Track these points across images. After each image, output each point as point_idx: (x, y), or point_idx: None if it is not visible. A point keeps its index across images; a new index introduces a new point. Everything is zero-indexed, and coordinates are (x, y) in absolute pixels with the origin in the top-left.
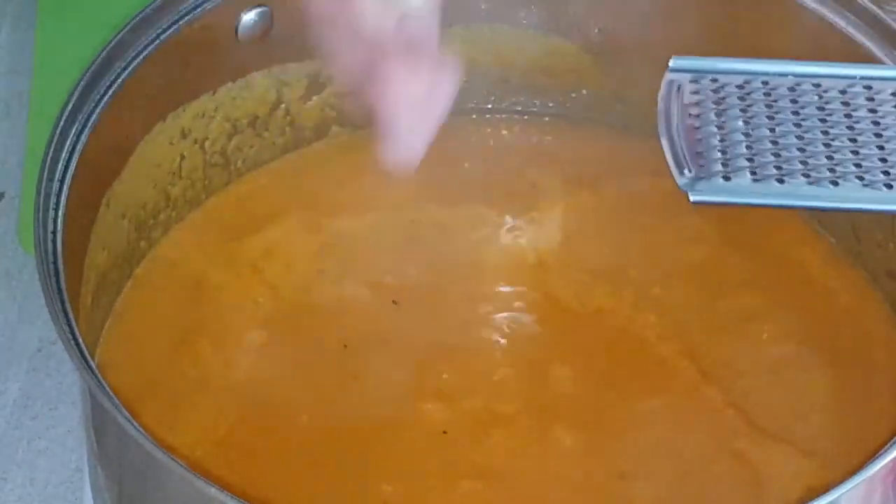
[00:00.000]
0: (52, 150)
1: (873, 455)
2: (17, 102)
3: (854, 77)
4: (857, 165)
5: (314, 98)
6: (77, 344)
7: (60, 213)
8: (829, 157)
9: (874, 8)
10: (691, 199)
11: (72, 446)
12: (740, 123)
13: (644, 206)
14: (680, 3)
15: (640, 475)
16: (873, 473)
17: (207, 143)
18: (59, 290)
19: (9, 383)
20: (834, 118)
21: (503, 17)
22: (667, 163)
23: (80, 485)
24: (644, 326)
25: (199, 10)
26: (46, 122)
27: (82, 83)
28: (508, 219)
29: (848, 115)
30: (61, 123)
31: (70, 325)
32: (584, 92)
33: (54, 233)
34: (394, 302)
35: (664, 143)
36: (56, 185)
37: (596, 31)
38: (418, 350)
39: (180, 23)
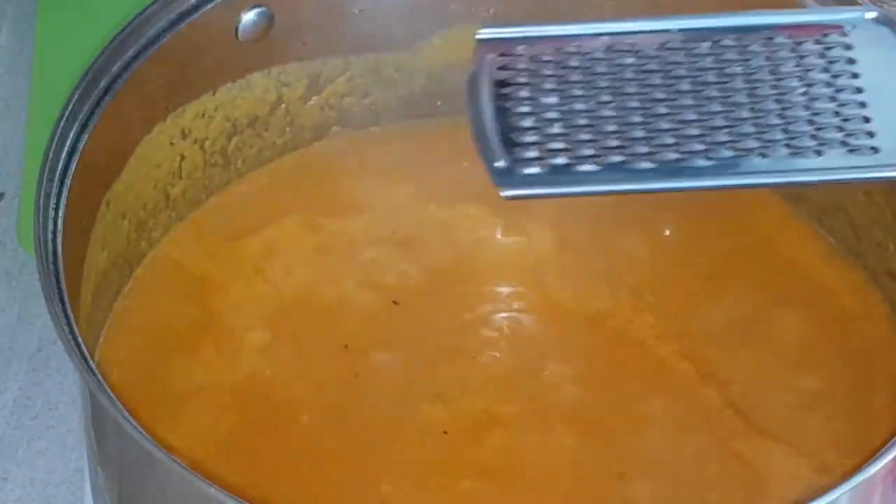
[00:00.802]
0: (52, 150)
1: (873, 455)
2: (17, 102)
3: (669, 30)
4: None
5: (314, 98)
6: (77, 344)
7: (60, 213)
8: (671, 130)
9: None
10: (502, 194)
11: (72, 446)
12: (554, 99)
13: (643, 207)
14: (681, 3)
15: (640, 475)
16: (873, 473)
17: (207, 143)
18: (59, 290)
19: (9, 383)
20: (649, 82)
21: (503, 17)
22: (477, 153)
23: (80, 485)
24: (642, 327)
25: (199, 10)
26: (46, 122)
27: (82, 83)
28: (508, 219)
29: (682, 77)
30: (61, 123)
31: (70, 325)
32: None
33: (54, 233)
34: (394, 302)
35: (473, 133)
36: (56, 185)
37: None
38: (419, 350)
39: (180, 23)
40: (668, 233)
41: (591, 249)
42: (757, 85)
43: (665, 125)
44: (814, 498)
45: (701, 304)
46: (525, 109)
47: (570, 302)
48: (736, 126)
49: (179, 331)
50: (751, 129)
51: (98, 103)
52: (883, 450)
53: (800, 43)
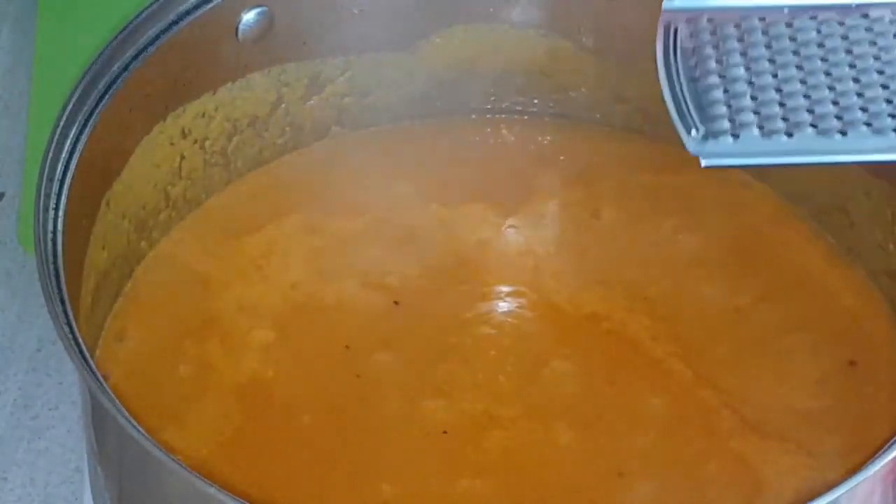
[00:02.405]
0: (52, 150)
1: (873, 455)
2: (17, 102)
3: (850, 5)
4: (864, 110)
5: (314, 98)
6: (77, 344)
7: (60, 213)
8: (835, 103)
9: None
10: (702, 163)
11: (72, 446)
12: (742, 71)
13: (643, 206)
14: None
15: (639, 474)
16: (873, 473)
17: (207, 143)
18: (59, 290)
19: (9, 383)
20: (835, 56)
21: (503, 17)
22: (672, 122)
23: (80, 485)
24: (637, 328)
25: (199, 10)
26: (46, 122)
27: (82, 83)
28: (508, 219)
29: (849, 51)
30: (61, 123)
31: (70, 325)
32: (584, 92)
33: (54, 233)
34: (395, 302)
35: (668, 100)
36: (56, 185)
37: (595, 30)
38: (419, 350)
39: (180, 23)
40: (665, 232)
41: (590, 249)
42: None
43: (854, 98)
44: (814, 498)
45: (697, 305)
46: (714, 80)
47: (567, 303)
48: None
49: (180, 331)
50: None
51: (98, 103)
52: (883, 450)
53: None
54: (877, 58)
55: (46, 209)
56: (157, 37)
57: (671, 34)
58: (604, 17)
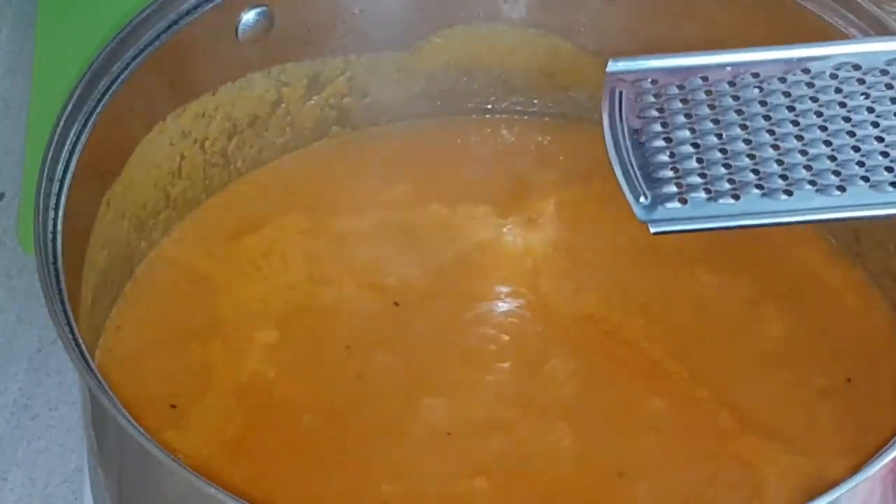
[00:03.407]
0: (52, 150)
1: (873, 455)
2: (17, 102)
3: (792, 59)
4: (808, 168)
5: (314, 98)
6: (77, 344)
7: (60, 213)
8: (779, 162)
9: (875, 9)
10: (651, 230)
11: (72, 446)
12: (687, 133)
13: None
14: (678, 3)
15: (639, 474)
16: (873, 473)
17: (207, 143)
18: (59, 290)
19: (9, 383)
20: (777, 114)
21: (503, 17)
22: (621, 189)
23: (80, 485)
24: (633, 329)
25: (199, 10)
26: (46, 122)
27: (82, 83)
28: (508, 219)
29: (791, 108)
30: (61, 123)
31: (70, 325)
32: (584, 92)
33: (54, 233)
34: (395, 303)
35: (615, 166)
36: (56, 185)
37: (595, 30)
38: (419, 350)
39: (180, 23)
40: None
41: (589, 250)
42: (853, 118)
43: (798, 158)
44: (813, 498)
45: (696, 305)
46: (660, 143)
47: (565, 303)
48: (867, 158)
49: (180, 331)
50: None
51: (98, 103)
52: (883, 450)
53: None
54: (819, 114)
55: (46, 209)
56: (157, 37)
57: (616, 98)
58: (604, 17)
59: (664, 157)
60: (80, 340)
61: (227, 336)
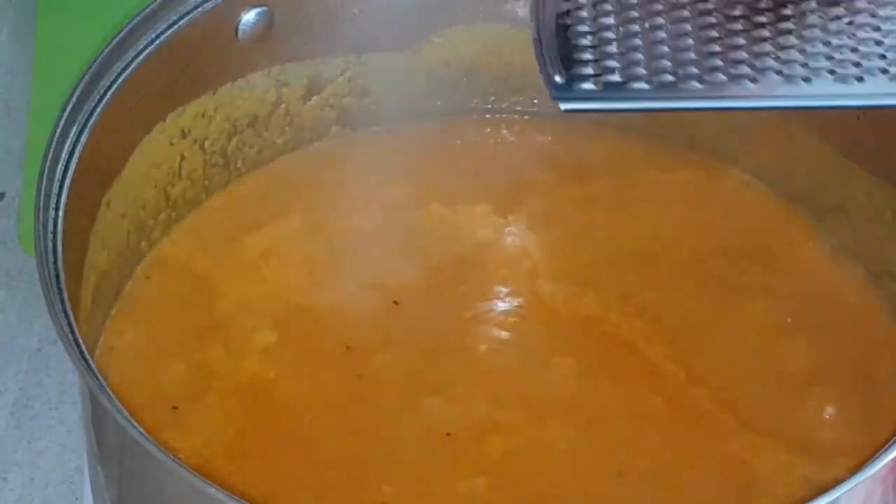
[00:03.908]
0: (52, 150)
1: (873, 455)
2: (17, 102)
3: None
4: (720, 55)
5: (314, 98)
6: (77, 344)
7: (60, 213)
8: (697, 51)
9: None
10: (562, 107)
11: (72, 446)
12: (611, 19)
13: (642, 207)
14: None
15: (639, 474)
16: (873, 473)
17: (207, 143)
18: (59, 290)
19: (9, 383)
20: (703, 5)
21: (503, 17)
22: (538, 68)
23: (80, 485)
24: (634, 330)
25: (199, 10)
26: (46, 122)
27: (82, 83)
28: (508, 219)
29: None
30: (61, 123)
31: (70, 325)
32: None
33: (54, 233)
34: (395, 302)
35: (535, 46)
36: (56, 185)
37: None
38: (419, 350)
39: (180, 23)
40: (665, 232)
41: (589, 250)
42: (804, 11)
43: (716, 48)
44: (813, 498)
45: (696, 305)
46: (584, 29)
47: (565, 303)
48: (783, 51)
49: (180, 331)
50: (798, 56)
51: (98, 103)
52: (883, 450)
53: None
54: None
55: (46, 209)
56: (157, 37)
57: None
58: None
59: (585, 42)
60: (80, 340)
61: (228, 336)
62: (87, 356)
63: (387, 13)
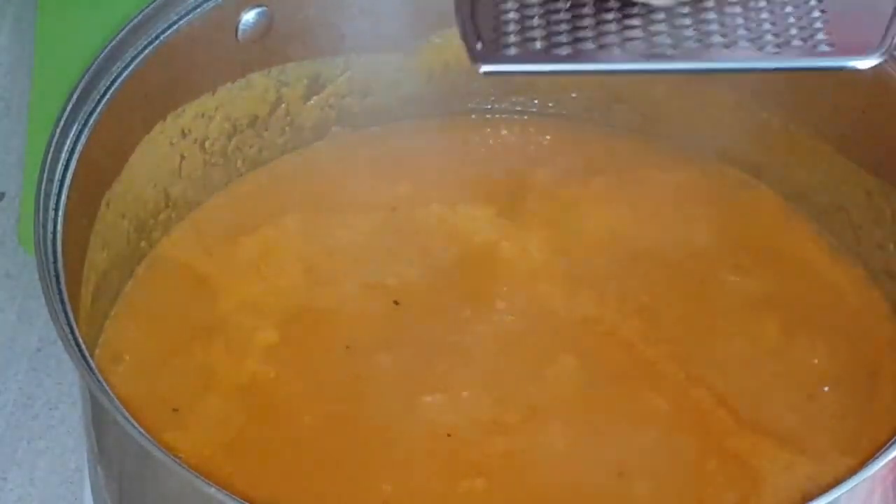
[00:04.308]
0: (52, 150)
1: (873, 455)
2: (17, 102)
3: None
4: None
5: (314, 98)
6: (77, 344)
7: (60, 213)
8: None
9: None
10: (481, 69)
11: (72, 446)
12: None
13: (642, 207)
14: None
15: (639, 474)
16: (873, 473)
17: (207, 143)
18: (59, 290)
19: (9, 383)
20: None
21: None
22: (461, 37)
23: (80, 485)
24: (634, 330)
25: (199, 10)
26: (46, 122)
27: (82, 83)
28: (508, 218)
29: None
30: (61, 123)
31: (70, 325)
32: (584, 92)
33: (54, 233)
34: (395, 302)
35: (457, 16)
36: (56, 185)
37: None
38: (419, 350)
39: (180, 23)
40: (665, 232)
41: (589, 250)
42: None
43: (637, 22)
44: (813, 498)
45: (696, 305)
46: (509, 6)
47: (564, 304)
48: (702, 25)
49: (180, 331)
50: (716, 28)
51: (98, 103)
52: (883, 450)
53: None
54: None
55: (46, 209)
56: (157, 37)
57: None
58: None
59: (509, 16)
60: (80, 340)
61: (228, 336)
62: (87, 356)
63: (387, 13)
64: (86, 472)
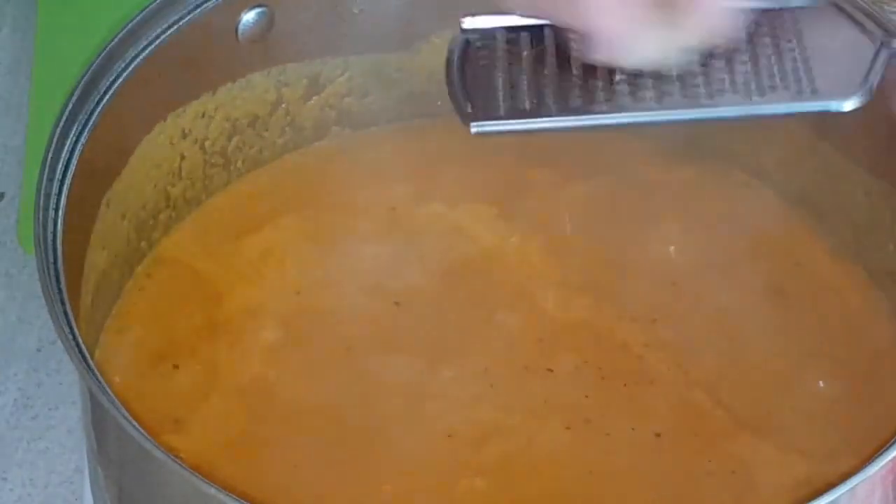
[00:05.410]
0: (52, 150)
1: (873, 455)
2: (17, 102)
3: None
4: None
5: (314, 98)
6: (77, 344)
7: (60, 213)
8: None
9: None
10: (472, 130)
11: (72, 446)
12: (525, 71)
13: (642, 207)
14: None
15: (638, 475)
16: (873, 473)
17: (207, 143)
18: (59, 290)
19: (9, 383)
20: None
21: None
22: (452, 104)
23: (80, 485)
24: (634, 330)
25: (199, 10)
26: (46, 122)
27: (82, 83)
28: (508, 219)
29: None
30: (61, 123)
31: (70, 325)
32: None
33: (54, 233)
34: (395, 303)
35: (448, 87)
36: (56, 185)
37: None
38: (420, 351)
39: (180, 23)
40: (665, 232)
41: (589, 250)
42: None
43: (624, 78)
44: (813, 498)
45: (696, 305)
46: (499, 76)
47: (564, 304)
48: (689, 78)
49: (180, 332)
50: (702, 80)
51: (98, 103)
52: (883, 450)
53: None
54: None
55: (46, 209)
56: (157, 37)
57: (465, 48)
58: None
59: (498, 80)
60: (80, 340)
61: (228, 336)
62: (87, 356)
63: (387, 13)
64: (86, 472)
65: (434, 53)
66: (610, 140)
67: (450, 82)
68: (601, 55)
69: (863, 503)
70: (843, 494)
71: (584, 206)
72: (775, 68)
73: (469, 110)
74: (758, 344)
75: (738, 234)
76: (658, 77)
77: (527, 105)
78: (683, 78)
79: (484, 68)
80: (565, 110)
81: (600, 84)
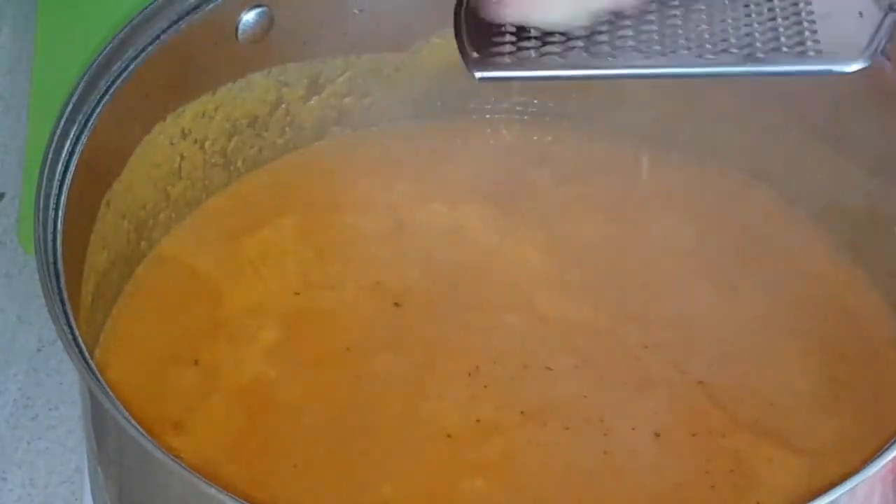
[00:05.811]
0: (52, 150)
1: (873, 455)
2: (17, 102)
3: None
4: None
5: (314, 98)
6: (77, 344)
7: (60, 213)
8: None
9: None
10: (476, 76)
11: (72, 446)
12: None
13: (642, 206)
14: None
15: (638, 475)
16: (873, 473)
17: (207, 143)
18: (59, 290)
19: (9, 383)
20: None
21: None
22: (458, 48)
23: (80, 485)
24: (634, 330)
25: (199, 10)
26: (46, 122)
27: (82, 83)
28: (508, 219)
29: None
30: (61, 123)
31: (70, 325)
32: (584, 92)
33: (54, 233)
34: (395, 304)
35: (455, 28)
36: (56, 185)
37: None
38: (420, 351)
39: (180, 23)
40: (665, 233)
41: (589, 250)
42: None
43: (629, 32)
44: (813, 498)
45: (696, 305)
46: (505, 26)
47: (564, 305)
48: (693, 33)
49: (180, 332)
50: (707, 35)
51: (98, 103)
52: (883, 450)
53: None
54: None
55: (46, 209)
56: (157, 37)
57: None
58: None
59: (504, 34)
60: (80, 340)
61: (228, 337)
62: (87, 356)
63: (387, 13)
64: (86, 472)
65: (434, 53)
66: (609, 140)
67: (457, 31)
68: (512, 13)
69: (863, 503)
70: (843, 494)
71: (584, 206)
72: (781, 28)
73: (474, 56)
74: (757, 344)
75: (737, 234)
76: (663, 33)
77: (532, 54)
78: (690, 32)
79: (493, 26)
80: (571, 59)
81: (607, 35)
